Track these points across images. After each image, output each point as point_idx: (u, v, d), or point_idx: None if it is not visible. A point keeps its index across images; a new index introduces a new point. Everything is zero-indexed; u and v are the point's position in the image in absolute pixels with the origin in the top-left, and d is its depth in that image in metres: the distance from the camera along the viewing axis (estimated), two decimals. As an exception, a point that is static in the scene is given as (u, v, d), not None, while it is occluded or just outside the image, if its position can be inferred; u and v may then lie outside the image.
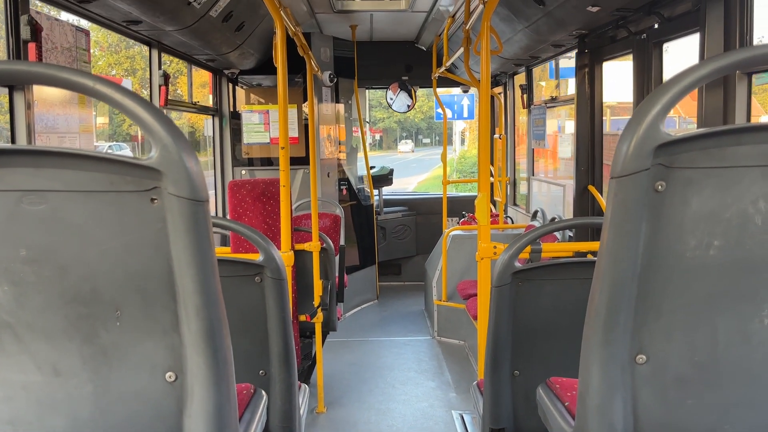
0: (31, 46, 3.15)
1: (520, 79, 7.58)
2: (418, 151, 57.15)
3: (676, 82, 1.20)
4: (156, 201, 1.17)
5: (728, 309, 1.29)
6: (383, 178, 9.41)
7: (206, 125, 8.22)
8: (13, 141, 3.20)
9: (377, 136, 59.11)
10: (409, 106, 9.08)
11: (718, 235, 1.25)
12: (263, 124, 7.48)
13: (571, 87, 5.93)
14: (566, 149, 6.39)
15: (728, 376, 1.33)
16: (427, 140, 62.68)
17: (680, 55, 4.24)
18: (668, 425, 1.35)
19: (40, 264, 1.19)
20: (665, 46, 4.18)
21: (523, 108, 7.39)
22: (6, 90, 3.25)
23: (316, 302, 4.63)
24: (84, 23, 3.95)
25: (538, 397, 1.98)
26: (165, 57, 5.31)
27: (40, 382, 1.26)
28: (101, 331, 1.23)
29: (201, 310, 1.22)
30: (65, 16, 3.71)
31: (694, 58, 3.70)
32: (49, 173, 1.16)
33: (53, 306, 1.22)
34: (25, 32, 3.13)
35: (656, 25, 4.07)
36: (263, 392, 1.99)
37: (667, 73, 4.23)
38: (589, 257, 3.65)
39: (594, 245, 3.85)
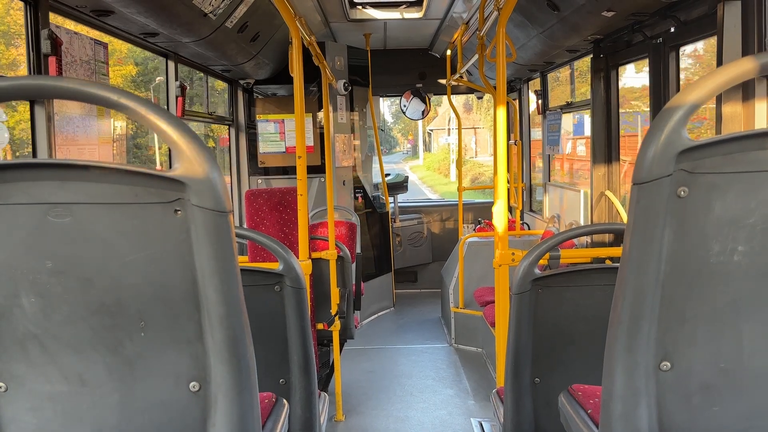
0: (52, 59, 3.19)
1: (535, 84, 7.57)
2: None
3: (697, 88, 1.19)
4: (180, 212, 1.18)
5: (753, 314, 1.28)
6: (398, 186, 9.41)
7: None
8: (34, 153, 3.24)
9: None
10: (423, 112, 9.09)
11: (742, 241, 1.24)
12: (279, 133, 7.53)
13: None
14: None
15: (754, 383, 1.31)
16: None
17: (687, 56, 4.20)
18: None
19: (66, 275, 1.21)
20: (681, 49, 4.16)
21: (538, 114, 7.37)
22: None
23: (334, 310, 4.63)
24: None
25: (560, 404, 1.97)
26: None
27: (67, 393, 1.27)
28: (126, 342, 1.24)
29: (224, 319, 1.23)
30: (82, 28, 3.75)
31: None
32: (74, 186, 1.17)
33: (79, 317, 1.23)
34: (45, 46, 3.17)
35: (672, 29, 4.05)
36: (284, 401, 1.99)
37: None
38: (608, 263, 3.63)
39: (612, 251, 3.82)
